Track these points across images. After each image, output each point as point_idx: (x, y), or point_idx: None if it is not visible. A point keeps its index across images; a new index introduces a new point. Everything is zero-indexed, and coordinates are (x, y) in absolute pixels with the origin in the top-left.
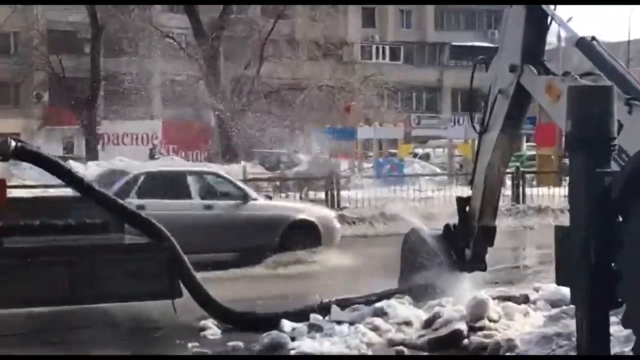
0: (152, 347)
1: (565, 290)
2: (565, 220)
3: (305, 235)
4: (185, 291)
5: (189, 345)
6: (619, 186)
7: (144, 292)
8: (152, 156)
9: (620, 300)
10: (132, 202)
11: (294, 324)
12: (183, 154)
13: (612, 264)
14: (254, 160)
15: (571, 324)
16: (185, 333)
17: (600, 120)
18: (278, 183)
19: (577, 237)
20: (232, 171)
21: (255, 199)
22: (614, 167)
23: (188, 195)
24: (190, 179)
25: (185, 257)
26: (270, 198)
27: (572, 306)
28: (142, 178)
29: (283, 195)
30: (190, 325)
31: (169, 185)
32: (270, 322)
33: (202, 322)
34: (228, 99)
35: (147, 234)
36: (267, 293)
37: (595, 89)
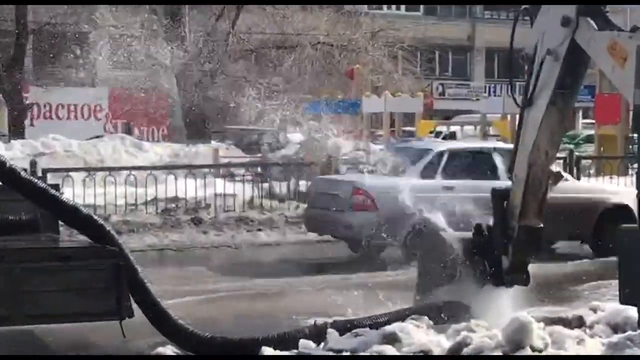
0: None
1: (632, 311)
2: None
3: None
4: (137, 310)
5: None
6: None
7: (84, 310)
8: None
9: None
10: (438, 183)
11: (278, 353)
12: (136, 130)
13: None
14: (227, 140)
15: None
16: None
17: None
18: (259, 169)
19: None
20: (200, 154)
21: (566, 179)
22: None
23: (495, 176)
24: (496, 157)
25: (138, 267)
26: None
27: None
28: (445, 156)
29: (266, 185)
30: (144, 353)
31: (475, 164)
32: (247, 349)
33: (160, 350)
34: (194, 61)
35: (89, 236)
36: None
37: None
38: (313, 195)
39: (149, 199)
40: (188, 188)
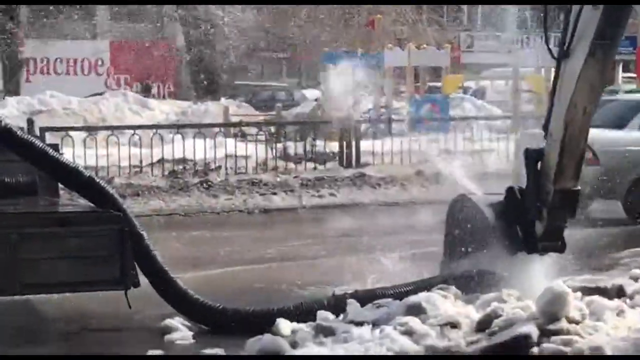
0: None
1: None
2: None
3: None
4: (144, 279)
5: (150, 353)
6: None
7: (86, 279)
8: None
9: None
10: None
11: (295, 325)
12: (139, 86)
13: None
14: (239, 98)
15: None
16: (144, 336)
17: None
18: (272, 129)
19: None
20: (209, 112)
21: None
22: None
23: None
24: None
25: (145, 233)
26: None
27: None
28: None
29: (280, 145)
30: (151, 325)
31: None
32: (261, 321)
33: (167, 322)
34: (203, 9)
35: (91, 200)
36: None
37: None
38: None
39: (154, 160)
40: (197, 149)
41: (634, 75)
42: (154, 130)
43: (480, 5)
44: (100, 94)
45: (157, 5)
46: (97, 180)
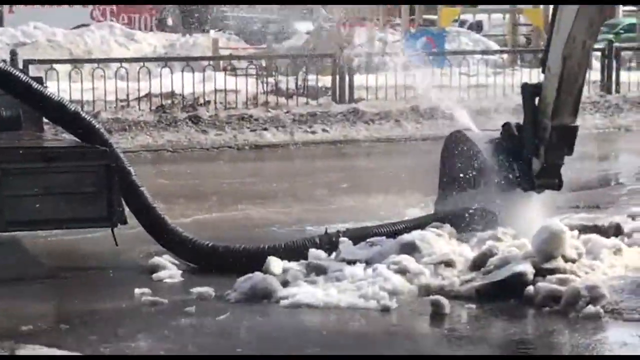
0: (82, 294)
1: None
2: None
3: None
4: (131, 217)
5: (137, 291)
6: None
7: (72, 216)
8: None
9: None
10: None
11: (286, 264)
12: (125, 18)
13: None
14: (228, 30)
15: None
16: (131, 275)
17: None
18: (263, 62)
19: None
20: (198, 44)
21: None
22: None
23: None
24: None
25: (132, 169)
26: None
27: None
28: None
29: (271, 80)
30: (138, 264)
31: None
32: (252, 259)
33: (155, 260)
34: None
35: (77, 135)
36: None
37: None
38: None
39: (142, 94)
40: (185, 83)
41: (635, 8)
42: (141, 64)
43: None
44: (86, 25)
45: None
46: (83, 115)
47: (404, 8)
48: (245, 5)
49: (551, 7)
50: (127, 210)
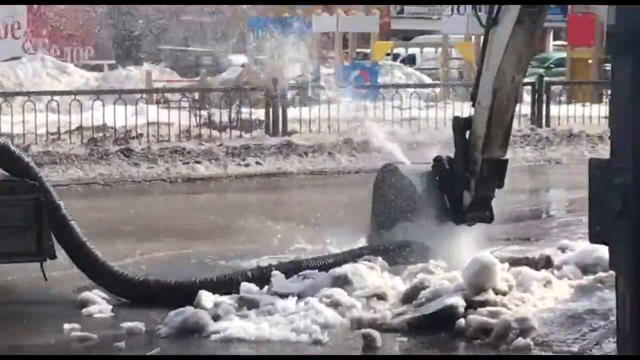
0: (9, 329)
1: (603, 251)
2: (605, 151)
3: None
4: (60, 251)
5: (66, 327)
6: None
7: (1, 250)
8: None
9: None
10: None
11: (218, 298)
12: (58, 50)
13: None
14: (162, 62)
15: (609, 298)
16: (61, 310)
17: None
18: (196, 95)
19: (620, 175)
20: (131, 77)
21: None
22: None
23: None
24: None
25: (62, 203)
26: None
27: (612, 272)
28: None
29: (204, 112)
30: (68, 298)
31: None
32: (184, 293)
33: (85, 295)
34: None
35: (6, 168)
36: None
37: None
38: None
39: (73, 127)
40: (117, 116)
41: (565, 43)
42: (73, 97)
43: None
44: (17, 58)
45: None
46: (13, 148)
47: (337, 41)
48: (181, 35)
49: (482, 41)
50: (56, 244)
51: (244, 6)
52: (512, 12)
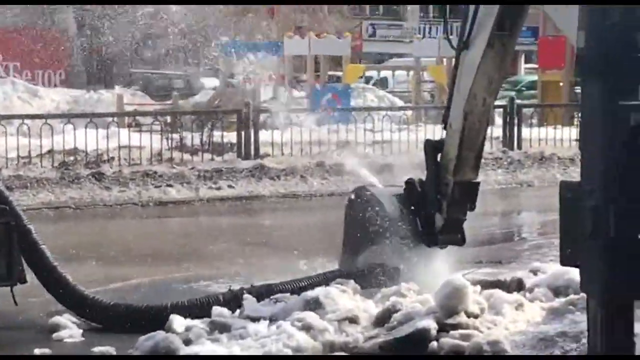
0: None
1: (574, 273)
2: (576, 174)
3: None
4: (31, 275)
5: (36, 352)
6: None
7: None
8: None
9: None
10: None
11: (189, 322)
12: (29, 74)
13: None
14: (134, 86)
15: (581, 320)
16: (31, 335)
17: (626, 32)
18: (168, 119)
19: (590, 197)
20: (102, 100)
21: None
22: None
23: None
24: None
25: (32, 227)
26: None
27: (583, 295)
28: None
29: (176, 136)
30: (38, 323)
31: None
32: (154, 317)
33: (56, 319)
34: None
35: None
36: None
37: None
38: None
39: (44, 151)
40: (88, 139)
41: (536, 66)
42: (44, 120)
43: None
44: None
45: None
46: None
47: (309, 64)
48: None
49: (453, 64)
50: (27, 268)
51: (217, 29)
52: (482, 36)
